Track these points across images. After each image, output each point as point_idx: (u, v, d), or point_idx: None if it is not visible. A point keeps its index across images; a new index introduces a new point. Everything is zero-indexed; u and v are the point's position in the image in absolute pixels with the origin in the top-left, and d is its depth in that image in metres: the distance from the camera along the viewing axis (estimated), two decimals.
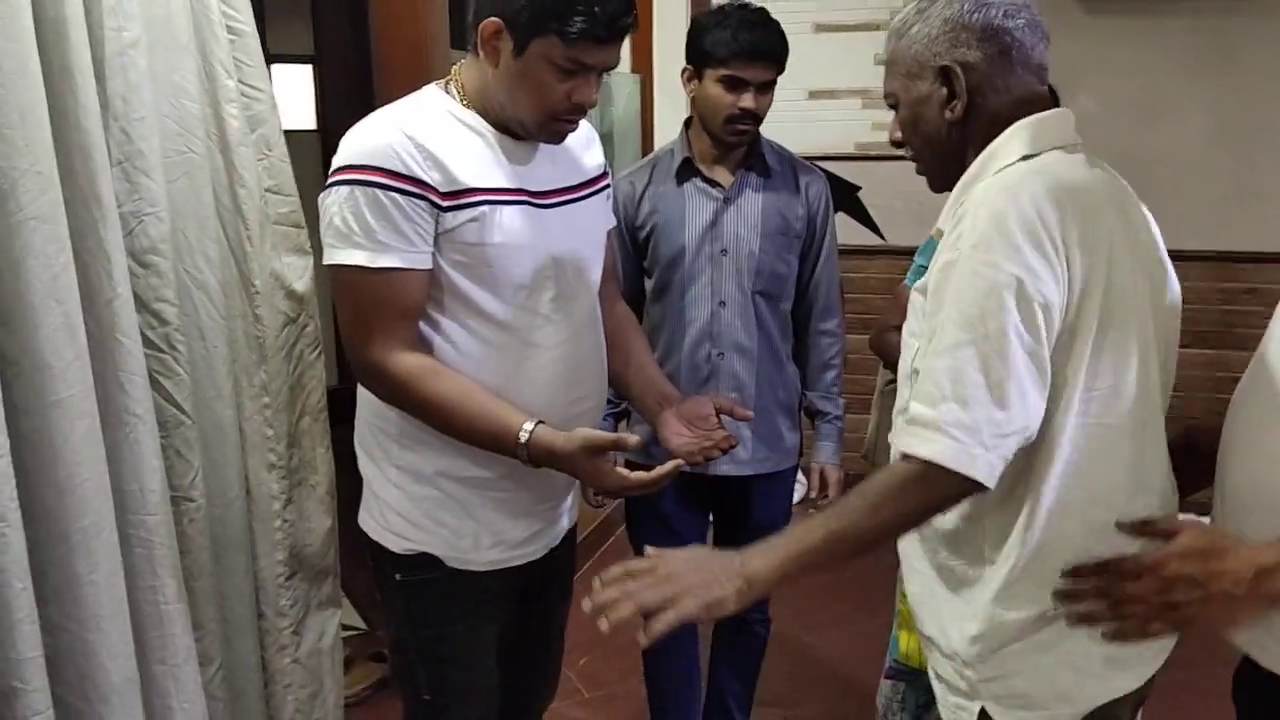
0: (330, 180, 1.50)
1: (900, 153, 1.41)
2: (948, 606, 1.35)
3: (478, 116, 1.56)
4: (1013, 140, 1.28)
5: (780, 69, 2.11)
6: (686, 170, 2.19)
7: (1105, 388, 1.23)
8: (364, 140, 1.50)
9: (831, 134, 4.17)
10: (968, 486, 1.17)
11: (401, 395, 1.55)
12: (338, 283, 1.53)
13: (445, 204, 1.50)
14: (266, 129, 1.89)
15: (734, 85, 2.07)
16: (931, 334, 1.22)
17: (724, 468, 2.19)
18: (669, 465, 1.54)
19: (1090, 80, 3.76)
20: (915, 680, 2.02)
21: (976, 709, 1.34)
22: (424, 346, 1.55)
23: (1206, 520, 1.29)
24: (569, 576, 1.90)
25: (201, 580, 1.86)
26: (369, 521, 1.70)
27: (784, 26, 2.11)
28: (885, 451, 1.44)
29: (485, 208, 1.52)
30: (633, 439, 1.56)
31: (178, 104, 1.75)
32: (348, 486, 1.89)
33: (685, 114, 2.24)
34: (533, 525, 1.70)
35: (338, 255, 1.50)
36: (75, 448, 1.54)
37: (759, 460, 2.25)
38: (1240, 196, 3.89)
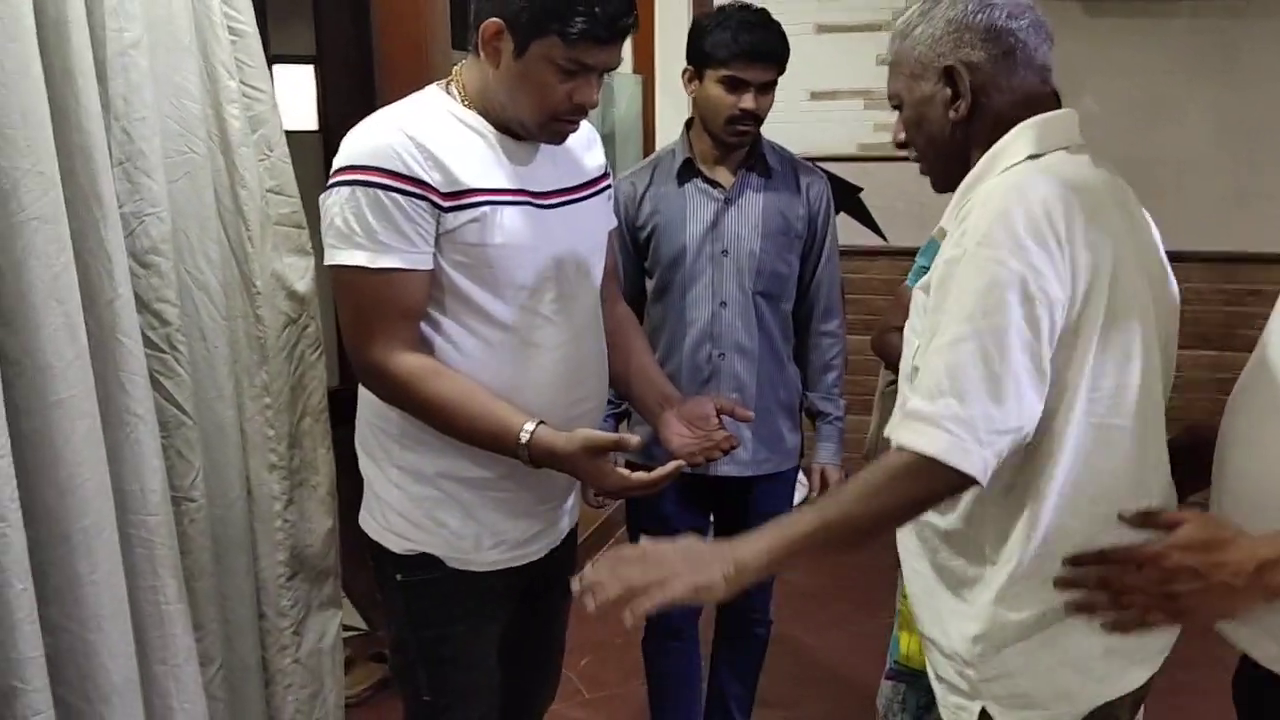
0: (331, 181, 1.50)
1: (902, 154, 1.41)
2: (948, 606, 1.35)
3: (479, 117, 1.56)
4: (1018, 140, 1.28)
5: (781, 70, 2.11)
6: (687, 171, 2.19)
7: (1109, 388, 1.23)
8: (365, 140, 1.50)
9: (833, 135, 4.17)
10: (961, 481, 1.17)
11: (402, 396, 1.55)
12: (339, 283, 1.53)
13: (446, 204, 1.50)
14: (268, 129, 1.89)
15: (734, 86, 2.07)
16: (933, 329, 1.22)
17: (725, 468, 2.19)
18: (670, 466, 1.55)
19: (1091, 81, 3.75)
20: (916, 681, 2.02)
21: (977, 709, 1.34)
22: (425, 347, 1.56)
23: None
24: (570, 577, 1.89)
25: (202, 580, 1.86)
26: (370, 522, 1.70)
27: (786, 27, 2.11)
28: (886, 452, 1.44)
29: (486, 208, 1.52)
30: (634, 439, 1.55)
31: (179, 104, 1.76)
32: (349, 487, 1.89)
33: (687, 115, 2.24)
34: (533, 526, 1.70)
35: (339, 256, 1.50)
36: (76, 448, 1.54)
37: (760, 461, 2.25)
38: (1242, 198, 3.89)
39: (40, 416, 1.51)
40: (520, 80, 1.49)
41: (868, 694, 2.33)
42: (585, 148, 1.71)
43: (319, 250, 1.63)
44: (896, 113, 1.39)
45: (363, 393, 1.64)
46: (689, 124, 2.22)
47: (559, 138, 1.59)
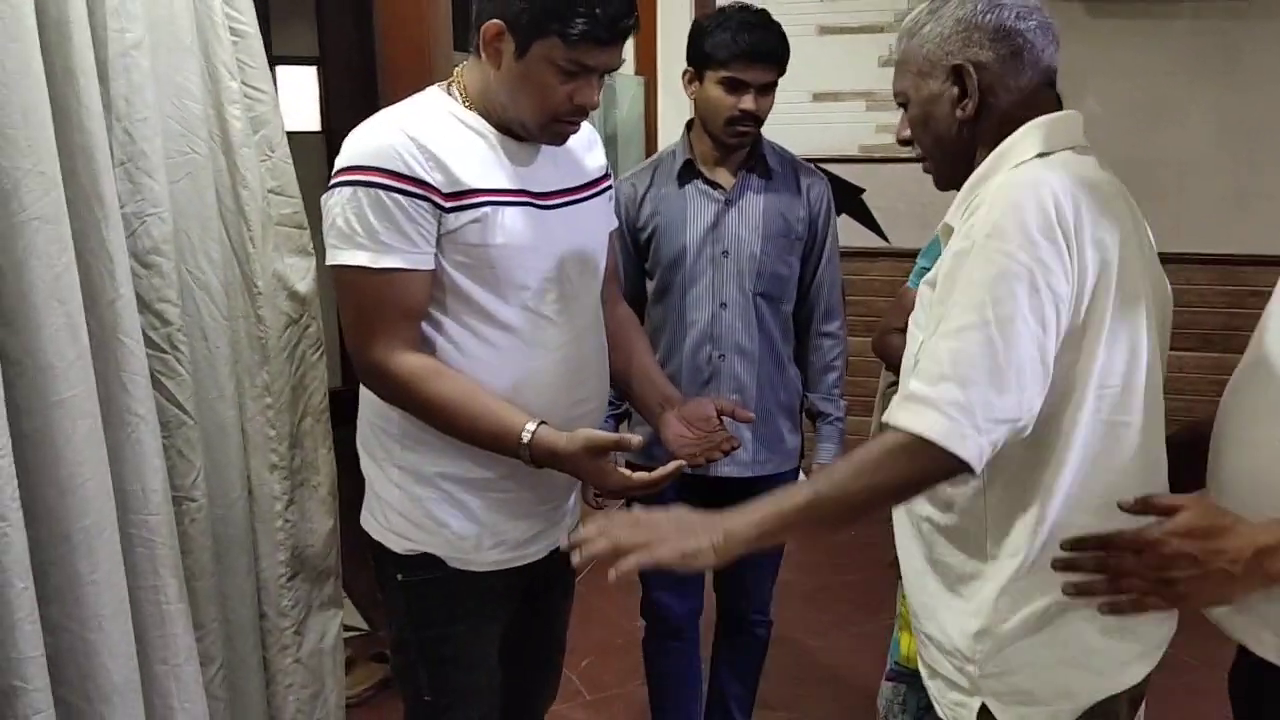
0: (333, 181, 1.51)
1: (905, 154, 1.41)
2: (946, 603, 1.35)
3: (480, 118, 1.56)
4: (1027, 139, 1.29)
5: (781, 71, 2.11)
6: (688, 172, 2.19)
7: (1117, 385, 1.24)
8: (367, 141, 1.51)
9: (835, 136, 4.18)
10: (954, 465, 1.16)
11: (404, 396, 1.55)
12: (340, 283, 1.53)
13: (447, 205, 1.50)
14: (269, 130, 1.90)
15: (734, 87, 2.07)
16: (939, 318, 1.22)
17: (725, 469, 2.19)
18: (671, 466, 1.55)
19: (1093, 82, 3.75)
20: (916, 682, 2.01)
21: (976, 705, 1.34)
22: (427, 347, 1.56)
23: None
24: (571, 577, 1.89)
25: (203, 580, 1.86)
26: (371, 522, 1.70)
27: (787, 29, 2.11)
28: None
29: (487, 209, 1.52)
30: (635, 439, 1.55)
31: (180, 105, 1.76)
32: (350, 487, 1.89)
33: (689, 116, 2.24)
34: (534, 526, 1.70)
35: (340, 256, 1.50)
36: (77, 447, 1.55)
37: (760, 462, 2.25)
38: (1243, 199, 3.88)
39: (41, 416, 1.52)
40: (521, 81, 1.49)
41: (868, 695, 2.33)
42: (586, 148, 1.71)
43: (320, 251, 1.63)
44: (901, 111, 1.39)
45: (364, 393, 1.65)
46: (689, 125, 2.22)
47: (560, 139, 1.59)
